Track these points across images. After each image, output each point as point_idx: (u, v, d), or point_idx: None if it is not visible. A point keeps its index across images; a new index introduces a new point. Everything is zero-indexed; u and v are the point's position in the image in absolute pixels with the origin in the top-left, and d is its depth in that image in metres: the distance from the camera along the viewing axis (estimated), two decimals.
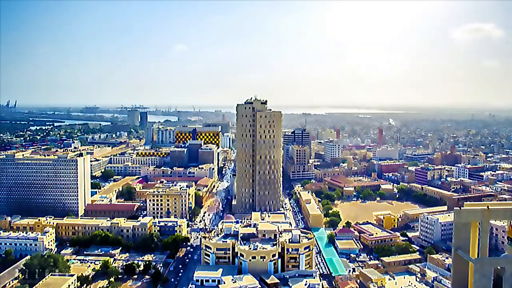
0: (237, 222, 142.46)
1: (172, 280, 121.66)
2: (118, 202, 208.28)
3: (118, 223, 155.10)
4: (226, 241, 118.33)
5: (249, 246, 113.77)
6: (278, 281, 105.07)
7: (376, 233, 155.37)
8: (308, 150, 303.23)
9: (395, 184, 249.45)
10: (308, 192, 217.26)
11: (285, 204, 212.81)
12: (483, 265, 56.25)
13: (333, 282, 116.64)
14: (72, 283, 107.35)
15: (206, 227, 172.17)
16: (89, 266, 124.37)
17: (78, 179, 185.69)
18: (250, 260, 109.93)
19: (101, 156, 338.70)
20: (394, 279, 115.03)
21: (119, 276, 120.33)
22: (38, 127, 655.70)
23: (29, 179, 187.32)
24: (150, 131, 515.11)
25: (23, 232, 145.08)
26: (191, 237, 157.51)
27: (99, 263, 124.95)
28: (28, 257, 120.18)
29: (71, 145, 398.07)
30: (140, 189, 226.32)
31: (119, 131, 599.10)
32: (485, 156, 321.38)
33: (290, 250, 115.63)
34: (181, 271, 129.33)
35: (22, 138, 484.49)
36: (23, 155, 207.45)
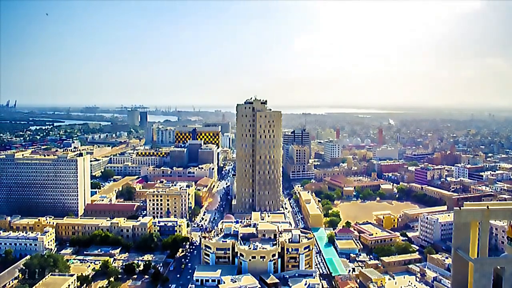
0: (237, 222, 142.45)
1: (172, 280, 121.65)
2: (118, 202, 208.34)
3: (118, 223, 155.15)
4: (226, 241, 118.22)
5: (249, 246, 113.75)
6: (278, 281, 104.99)
7: (376, 233, 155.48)
8: (308, 150, 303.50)
9: (395, 184, 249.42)
10: (308, 192, 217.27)
11: (285, 204, 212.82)
12: (483, 265, 56.30)
13: (333, 282, 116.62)
14: (72, 283, 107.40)
15: (206, 227, 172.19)
16: (89, 266, 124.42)
17: (78, 179, 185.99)
18: (250, 260, 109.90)
19: (101, 156, 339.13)
20: (394, 279, 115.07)
21: (119, 276, 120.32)
22: (38, 127, 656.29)
23: (29, 179, 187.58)
24: (150, 131, 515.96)
25: (23, 232, 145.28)
26: (191, 237, 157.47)
27: (99, 263, 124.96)
28: (28, 257, 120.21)
29: (71, 145, 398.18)
30: (140, 189, 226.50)
31: (119, 131, 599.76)
32: (485, 156, 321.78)
33: (290, 250, 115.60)
34: (181, 271, 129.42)
35: (22, 138, 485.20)
36: (23, 155, 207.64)
